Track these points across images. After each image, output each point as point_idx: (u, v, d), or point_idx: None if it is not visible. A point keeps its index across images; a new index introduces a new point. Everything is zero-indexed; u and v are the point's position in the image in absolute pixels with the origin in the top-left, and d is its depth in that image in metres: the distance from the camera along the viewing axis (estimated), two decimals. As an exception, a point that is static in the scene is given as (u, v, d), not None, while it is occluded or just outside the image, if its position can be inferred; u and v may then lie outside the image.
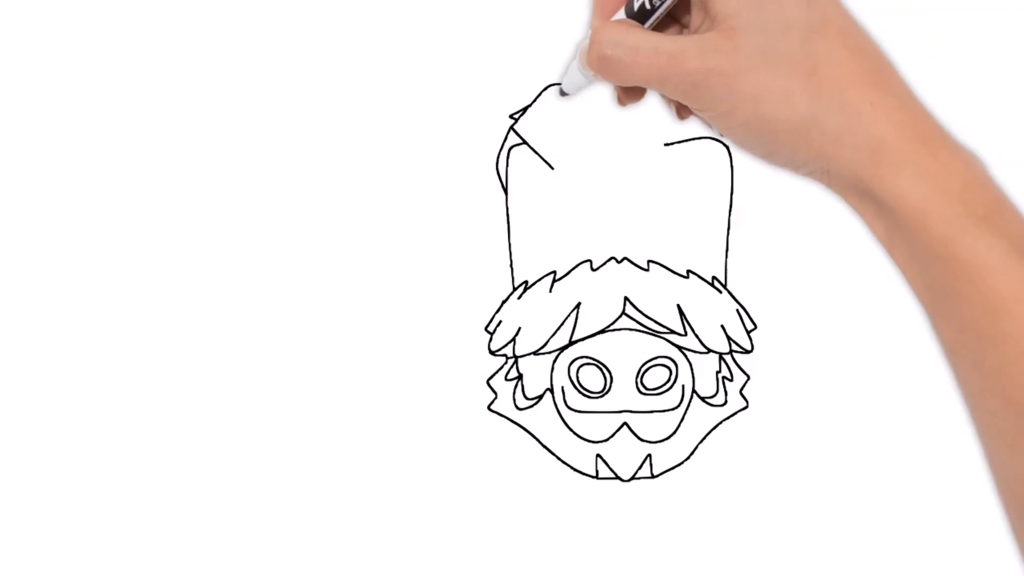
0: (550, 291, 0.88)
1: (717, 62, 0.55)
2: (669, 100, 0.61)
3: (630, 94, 0.62)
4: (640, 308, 0.88)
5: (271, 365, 0.88)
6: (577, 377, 0.89)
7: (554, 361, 0.89)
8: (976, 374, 0.55)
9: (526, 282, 0.89)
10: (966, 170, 0.55)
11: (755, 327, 0.89)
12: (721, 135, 0.58)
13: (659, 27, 0.59)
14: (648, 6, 0.58)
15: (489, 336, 0.89)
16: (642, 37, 0.56)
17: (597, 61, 0.57)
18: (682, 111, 0.61)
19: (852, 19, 0.57)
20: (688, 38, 0.56)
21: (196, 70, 0.89)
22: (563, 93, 0.65)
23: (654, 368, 0.89)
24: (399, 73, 0.89)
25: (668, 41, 0.56)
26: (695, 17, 0.58)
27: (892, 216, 0.55)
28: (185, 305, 0.88)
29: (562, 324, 0.88)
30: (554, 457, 0.89)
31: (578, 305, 0.88)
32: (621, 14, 0.59)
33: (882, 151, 0.55)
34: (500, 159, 0.89)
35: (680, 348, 0.89)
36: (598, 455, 0.89)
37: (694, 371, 0.89)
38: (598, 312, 0.88)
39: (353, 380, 0.88)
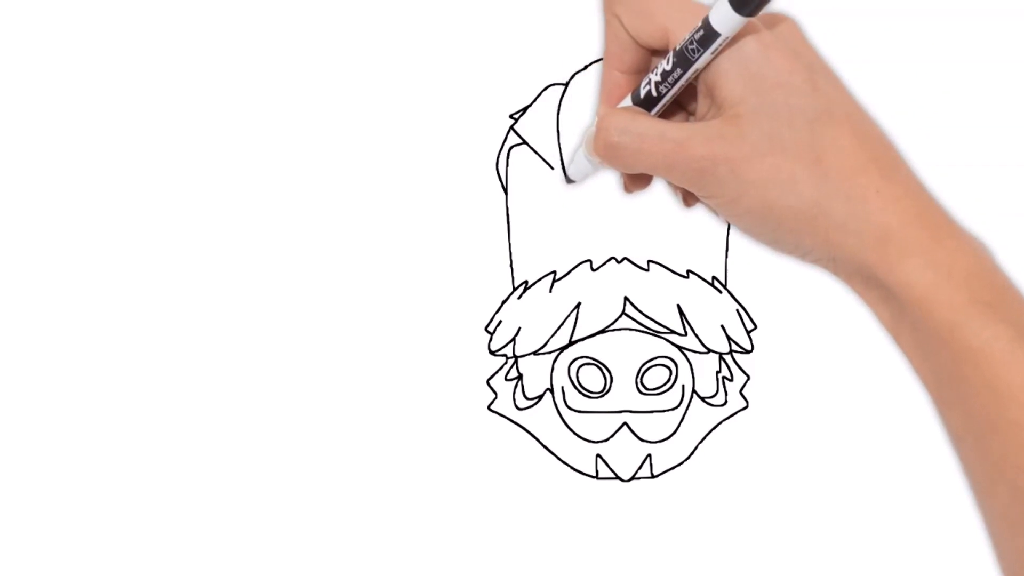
0: (550, 291, 0.88)
1: (723, 149, 0.54)
2: (675, 187, 0.60)
3: (636, 181, 0.61)
4: (640, 308, 0.88)
5: (271, 364, 0.88)
6: (577, 377, 0.89)
7: (554, 361, 0.89)
8: (982, 461, 0.55)
9: (526, 282, 0.89)
10: (972, 257, 0.55)
11: (755, 327, 0.89)
12: (726, 222, 0.58)
13: (665, 114, 0.59)
14: (654, 93, 0.57)
15: (489, 336, 0.89)
16: (648, 124, 0.56)
17: (604, 148, 0.56)
18: (688, 198, 0.60)
19: (858, 106, 0.56)
20: (694, 125, 0.55)
21: (196, 70, 0.88)
22: (569, 181, 0.64)
23: (654, 368, 0.89)
24: (399, 73, 0.88)
25: (674, 128, 0.55)
26: (701, 104, 0.57)
27: (898, 303, 0.55)
28: (185, 305, 0.88)
29: (562, 324, 0.88)
30: (554, 457, 0.90)
31: (578, 305, 0.88)
32: (628, 101, 0.58)
33: (888, 239, 0.54)
34: (500, 159, 0.88)
35: (680, 348, 0.89)
36: (598, 455, 0.90)
37: (694, 371, 0.89)
38: (598, 312, 0.88)
39: (353, 380, 0.88)
